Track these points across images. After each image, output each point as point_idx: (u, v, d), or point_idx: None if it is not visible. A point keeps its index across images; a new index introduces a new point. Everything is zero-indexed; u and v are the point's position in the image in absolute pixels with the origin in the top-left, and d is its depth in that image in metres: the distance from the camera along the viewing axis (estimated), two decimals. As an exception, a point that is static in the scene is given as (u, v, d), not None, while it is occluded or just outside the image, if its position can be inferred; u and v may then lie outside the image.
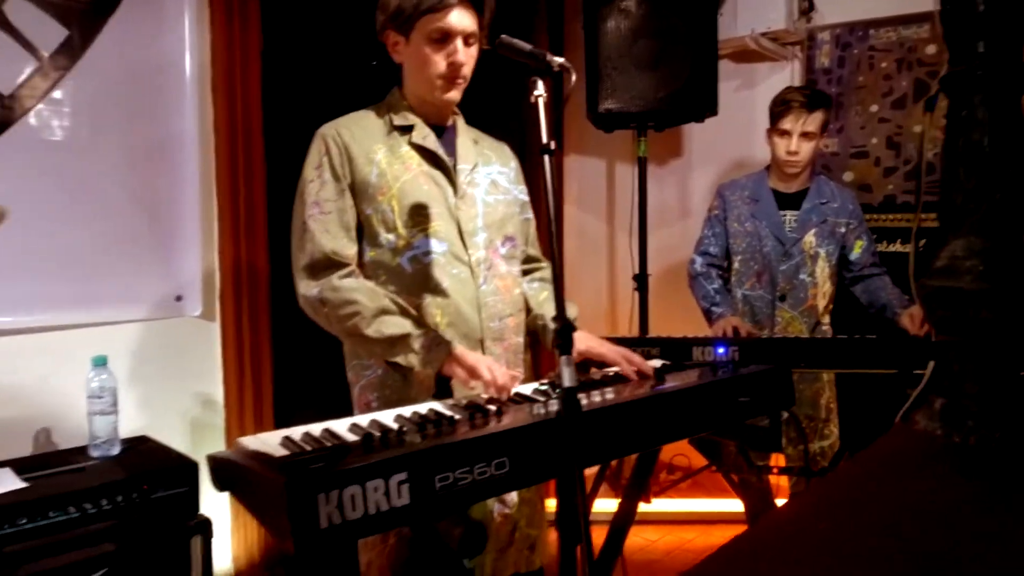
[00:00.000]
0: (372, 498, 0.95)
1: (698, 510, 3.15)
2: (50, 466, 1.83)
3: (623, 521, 1.83)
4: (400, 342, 1.46)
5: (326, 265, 1.53)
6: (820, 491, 1.07)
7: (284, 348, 2.52)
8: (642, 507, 3.11)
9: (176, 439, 2.21)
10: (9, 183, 1.95)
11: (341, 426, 1.21)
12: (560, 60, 1.31)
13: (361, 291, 1.51)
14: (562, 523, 1.09)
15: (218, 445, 2.33)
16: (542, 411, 1.21)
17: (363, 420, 1.24)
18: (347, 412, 1.61)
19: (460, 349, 1.46)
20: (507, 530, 1.57)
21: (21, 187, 1.98)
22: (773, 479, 2.62)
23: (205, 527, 1.86)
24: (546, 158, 1.24)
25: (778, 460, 2.57)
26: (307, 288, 1.53)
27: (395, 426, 1.17)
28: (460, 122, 1.73)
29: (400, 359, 1.46)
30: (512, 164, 1.79)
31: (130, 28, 2.15)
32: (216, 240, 2.34)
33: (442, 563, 1.33)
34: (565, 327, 1.08)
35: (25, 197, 1.98)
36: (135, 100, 2.18)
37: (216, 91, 2.31)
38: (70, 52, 2.05)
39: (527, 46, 1.35)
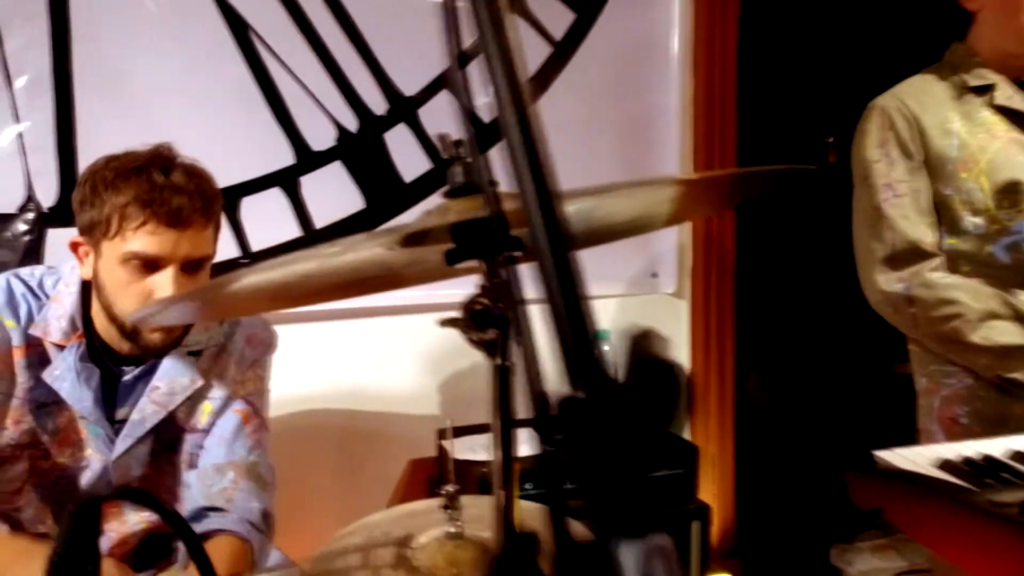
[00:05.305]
0: None
1: None
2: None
3: None
4: (1018, 353, 1.23)
5: (909, 256, 1.36)
6: None
7: (747, 330, 2.43)
8: None
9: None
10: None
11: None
12: None
13: (962, 289, 1.31)
14: None
15: (681, 423, 2.33)
16: None
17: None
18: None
19: None
20: None
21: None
22: None
23: (704, 513, 1.84)
24: None
25: None
26: (888, 283, 1.37)
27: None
28: None
29: (1019, 374, 1.24)
30: None
31: (624, 8, 2.17)
32: (690, 217, 2.32)
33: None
34: None
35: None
36: (624, 78, 2.21)
37: (696, 67, 2.27)
38: (576, 35, 2.13)
39: None
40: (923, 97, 1.43)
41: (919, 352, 1.46)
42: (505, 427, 0.68)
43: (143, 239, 1.12)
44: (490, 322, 0.67)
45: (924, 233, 1.38)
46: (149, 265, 1.14)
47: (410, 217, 1.95)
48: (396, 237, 0.65)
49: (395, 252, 0.76)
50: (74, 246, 1.20)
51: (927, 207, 1.40)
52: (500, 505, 0.68)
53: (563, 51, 2.12)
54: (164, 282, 1.14)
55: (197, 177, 1.17)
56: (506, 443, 0.68)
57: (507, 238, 0.72)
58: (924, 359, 1.45)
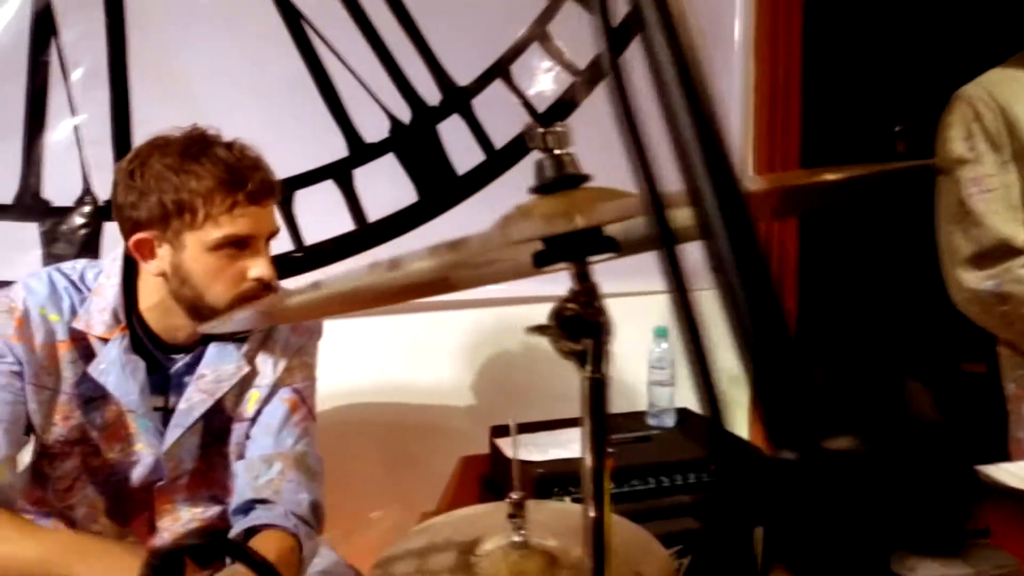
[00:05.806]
0: None
1: None
2: (616, 431, 1.90)
3: None
4: None
5: (1000, 254, 1.28)
6: None
7: (806, 324, 2.35)
8: None
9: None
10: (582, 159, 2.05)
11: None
12: None
13: None
14: None
15: (741, 423, 2.26)
16: None
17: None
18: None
19: None
20: None
21: (587, 162, 2.07)
22: None
23: (766, 516, 1.78)
24: None
25: None
26: (975, 280, 1.30)
27: None
28: None
29: None
30: None
31: (684, -7, 2.10)
32: (750, 210, 2.24)
33: None
34: None
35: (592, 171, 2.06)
36: (684, 66, 2.14)
37: (760, 53, 2.18)
38: (633, 21, 2.06)
39: None
40: (1013, 86, 1.35)
41: (1008, 355, 1.38)
42: (599, 442, 0.63)
43: (236, 221, 1.10)
44: (582, 330, 0.62)
45: (1016, 230, 1.31)
46: (240, 246, 1.13)
47: (464, 209, 1.92)
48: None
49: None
50: (139, 244, 1.14)
51: (1018, 202, 1.32)
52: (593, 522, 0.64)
53: (619, 38, 2.05)
54: (258, 261, 1.14)
55: (252, 150, 1.16)
56: (599, 459, 0.64)
57: (600, 239, 0.67)
58: (1012, 363, 1.37)
